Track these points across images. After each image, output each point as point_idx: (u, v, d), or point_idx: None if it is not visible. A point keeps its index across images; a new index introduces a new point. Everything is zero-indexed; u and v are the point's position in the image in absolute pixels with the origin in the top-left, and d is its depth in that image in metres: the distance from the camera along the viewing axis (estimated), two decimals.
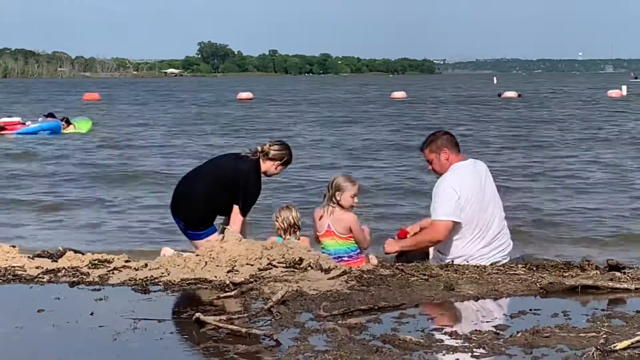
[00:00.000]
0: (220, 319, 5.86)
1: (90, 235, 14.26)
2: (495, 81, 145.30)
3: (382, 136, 36.30)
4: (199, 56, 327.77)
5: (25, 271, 7.77)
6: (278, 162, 9.33)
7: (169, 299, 6.86)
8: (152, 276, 7.44)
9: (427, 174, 12.61)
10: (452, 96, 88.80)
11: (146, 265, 7.87)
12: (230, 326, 5.71)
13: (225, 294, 6.78)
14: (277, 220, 9.15)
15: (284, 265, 7.62)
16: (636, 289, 6.84)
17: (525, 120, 45.75)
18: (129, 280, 7.38)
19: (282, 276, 7.29)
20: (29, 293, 7.13)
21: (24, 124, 38.17)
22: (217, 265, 7.62)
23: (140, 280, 7.33)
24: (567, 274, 7.42)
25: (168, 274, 7.49)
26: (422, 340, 5.42)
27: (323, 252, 8.47)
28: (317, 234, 8.97)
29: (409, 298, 6.63)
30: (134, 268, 7.79)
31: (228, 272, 7.47)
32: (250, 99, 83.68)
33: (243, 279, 7.15)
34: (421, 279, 7.23)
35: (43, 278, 7.56)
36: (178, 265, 7.70)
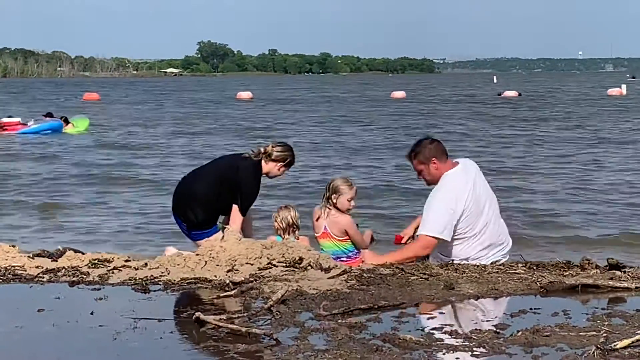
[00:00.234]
0: (220, 318, 5.86)
1: (88, 236, 14.25)
2: (495, 80, 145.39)
3: (382, 136, 36.31)
4: (199, 56, 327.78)
5: (25, 271, 7.77)
6: (281, 163, 9.34)
7: (169, 298, 6.86)
8: (152, 275, 7.44)
9: None
10: (453, 95, 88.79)
11: (146, 264, 7.87)
12: (230, 325, 5.71)
13: (225, 294, 6.78)
14: (276, 220, 9.17)
15: (284, 264, 7.62)
16: (636, 287, 6.83)
17: (525, 120, 45.75)
18: (129, 280, 7.38)
19: (282, 275, 7.29)
20: (29, 292, 7.13)
21: (25, 124, 38.24)
22: (217, 265, 7.62)
23: (140, 280, 7.32)
24: (567, 273, 7.42)
25: (168, 274, 7.49)
26: (422, 340, 5.42)
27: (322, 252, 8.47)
28: (315, 234, 8.98)
29: (409, 297, 6.62)
30: (134, 267, 7.79)
31: (228, 271, 7.47)
32: (250, 98, 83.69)
33: (243, 278, 7.14)
34: (421, 278, 7.23)
35: (43, 277, 7.56)
36: (178, 265, 7.70)
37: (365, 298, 6.54)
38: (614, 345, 5.13)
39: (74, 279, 7.46)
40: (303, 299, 6.52)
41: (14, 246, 8.61)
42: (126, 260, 8.12)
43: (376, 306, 6.28)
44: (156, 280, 7.33)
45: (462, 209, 8.28)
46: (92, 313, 6.25)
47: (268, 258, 7.70)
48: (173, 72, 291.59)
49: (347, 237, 8.84)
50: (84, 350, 5.53)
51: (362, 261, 8.36)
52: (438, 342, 5.38)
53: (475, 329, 5.65)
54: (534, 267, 7.68)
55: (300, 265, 7.58)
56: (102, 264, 7.95)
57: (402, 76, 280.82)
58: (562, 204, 17.18)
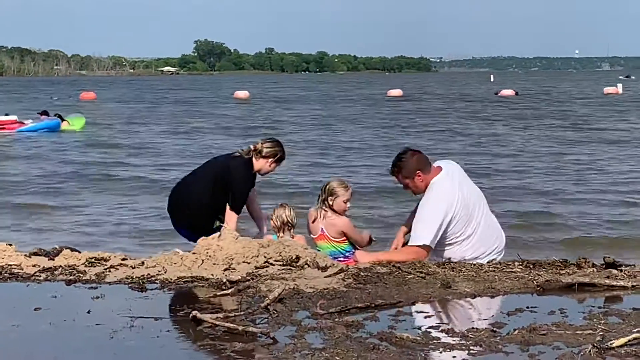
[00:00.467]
0: (217, 317, 5.85)
1: (84, 236, 14.25)
2: (492, 79, 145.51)
3: (378, 135, 36.32)
4: (196, 54, 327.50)
5: (22, 269, 7.75)
6: (271, 159, 9.39)
7: (166, 297, 6.85)
8: (148, 274, 7.43)
9: None
10: (449, 94, 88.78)
11: (143, 263, 7.86)
12: (227, 324, 5.70)
13: (222, 292, 6.78)
14: (271, 219, 9.20)
15: (281, 263, 7.61)
16: (633, 286, 6.84)
17: (523, 119, 45.78)
18: (125, 279, 7.37)
19: (279, 274, 7.28)
20: (26, 291, 7.11)
21: (22, 122, 38.27)
22: (214, 263, 7.62)
23: (137, 279, 7.31)
24: (563, 272, 7.42)
25: (165, 272, 7.48)
26: (419, 338, 5.42)
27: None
28: (312, 236, 8.99)
29: (406, 296, 6.62)
30: (131, 266, 7.78)
31: (225, 270, 7.47)
32: (247, 97, 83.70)
33: (240, 277, 7.14)
34: (418, 276, 7.23)
35: (40, 276, 7.54)
36: (175, 264, 7.69)
37: (362, 297, 6.54)
38: (611, 344, 5.13)
39: (71, 277, 7.45)
40: (300, 298, 6.52)
41: (10, 245, 8.59)
42: (123, 259, 8.10)
43: (373, 305, 6.28)
44: (153, 278, 7.32)
45: (452, 215, 8.28)
46: (88, 312, 6.25)
47: (265, 257, 7.70)
48: (170, 71, 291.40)
49: (344, 238, 8.85)
50: (80, 349, 5.52)
51: (355, 262, 8.33)
52: (435, 341, 5.38)
53: (472, 328, 5.65)
54: (531, 266, 7.68)
55: (297, 264, 7.58)
56: (98, 263, 7.93)
57: (399, 75, 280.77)
58: (557, 204, 17.20)
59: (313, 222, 8.95)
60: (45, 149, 30.93)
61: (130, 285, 7.16)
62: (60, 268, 7.75)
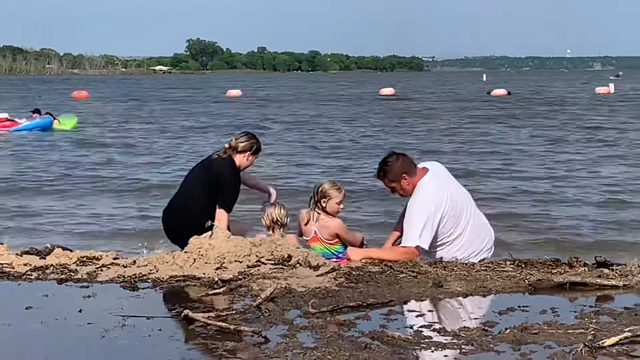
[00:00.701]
0: (209, 316, 5.85)
1: (74, 236, 14.23)
2: (484, 78, 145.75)
3: (369, 134, 36.32)
4: (188, 53, 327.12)
5: (14, 268, 7.74)
6: (248, 152, 9.41)
7: (158, 296, 6.85)
8: (140, 273, 7.43)
9: None
10: (442, 94, 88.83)
11: (135, 262, 7.85)
12: (218, 323, 5.70)
13: (214, 291, 6.77)
14: (263, 218, 9.21)
15: (273, 262, 7.61)
16: (624, 285, 6.85)
17: (515, 118, 45.83)
18: (117, 278, 7.36)
19: (271, 273, 7.28)
20: (17, 290, 7.10)
21: (13, 120, 38.22)
22: (206, 263, 7.62)
23: (129, 278, 7.31)
24: (555, 271, 7.43)
25: (157, 271, 7.47)
26: (410, 337, 5.42)
27: None
28: (304, 238, 8.98)
29: (398, 295, 6.63)
30: (123, 265, 7.78)
31: (217, 269, 7.46)
32: (240, 96, 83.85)
33: (232, 276, 7.13)
34: (410, 275, 7.23)
35: (31, 275, 7.53)
36: (166, 263, 7.69)
37: (354, 296, 6.54)
38: (602, 343, 5.14)
39: (62, 276, 7.44)
40: (292, 297, 6.52)
41: (2, 244, 8.58)
42: (115, 258, 8.09)
43: (365, 304, 6.28)
44: (145, 277, 7.32)
45: (441, 215, 8.29)
46: (80, 311, 6.24)
47: (257, 256, 7.70)
48: (162, 70, 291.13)
49: (337, 240, 8.86)
50: (72, 348, 5.52)
51: (349, 259, 8.33)
52: (426, 340, 5.39)
53: (464, 327, 5.66)
54: (522, 265, 7.69)
55: (289, 263, 7.58)
56: (90, 262, 7.93)
57: (391, 74, 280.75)
58: (548, 204, 17.21)
59: (306, 224, 8.95)
60: (37, 148, 30.89)
61: (121, 284, 7.16)
62: (52, 267, 7.75)
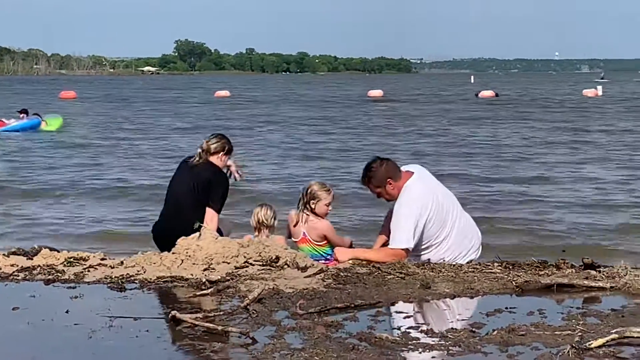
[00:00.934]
0: (197, 317, 5.85)
1: (58, 239, 14.20)
2: (472, 80, 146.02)
3: (358, 136, 36.34)
4: (176, 54, 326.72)
5: (0, 269, 7.72)
6: (221, 153, 9.35)
7: (145, 297, 6.83)
8: (128, 274, 7.41)
9: None
10: (430, 96, 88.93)
11: (122, 263, 7.84)
12: (206, 324, 5.70)
13: (202, 292, 6.77)
14: (251, 219, 9.21)
15: (261, 263, 7.61)
16: (611, 287, 6.87)
17: (503, 121, 45.90)
18: (104, 278, 7.34)
19: (259, 274, 7.28)
20: (4, 291, 7.08)
21: (1, 120, 38.16)
22: (194, 263, 7.61)
23: (116, 278, 7.29)
24: (542, 273, 7.44)
25: (144, 272, 7.46)
26: (398, 339, 5.42)
27: None
28: (293, 240, 8.97)
29: (386, 296, 6.63)
30: (110, 266, 7.76)
31: (204, 270, 7.45)
32: (228, 96, 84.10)
33: (219, 277, 7.13)
34: (397, 277, 7.24)
35: (18, 276, 7.51)
36: (154, 263, 7.68)
37: (341, 297, 6.54)
38: (589, 345, 5.15)
39: (50, 277, 7.42)
40: (279, 298, 6.51)
41: None
42: (102, 259, 8.08)
43: (353, 305, 6.28)
44: (132, 278, 7.30)
45: (427, 217, 8.31)
46: (67, 311, 6.22)
47: (245, 257, 7.69)
48: (150, 71, 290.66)
49: (325, 241, 8.85)
50: (59, 349, 5.50)
51: (336, 260, 8.32)
52: (414, 341, 5.39)
53: (451, 328, 5.66)
54: (510, 267, 7.70)
55: (277, 264, 7.58)
56: (77, 263, 7.91)
57: (379, 76, 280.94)
58: (538, 207, 17.23)
59: (295, 225, 8.94)
60: (23, 149, 30.83)
61: (109, 285, 7.14)
62: (39, 267, 7.73)
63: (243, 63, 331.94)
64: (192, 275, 7.30)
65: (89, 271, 7.60)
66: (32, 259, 8.09)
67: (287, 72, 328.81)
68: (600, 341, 5.19)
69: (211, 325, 5.67)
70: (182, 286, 7.07)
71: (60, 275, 7.48)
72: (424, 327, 5.71)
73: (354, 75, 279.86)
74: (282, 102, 73.17)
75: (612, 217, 16.08)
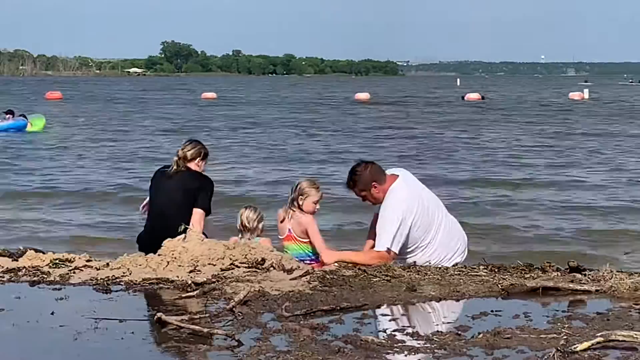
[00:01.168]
0: (182, 319, 5.84)
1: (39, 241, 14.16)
2: (458, 83, 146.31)
3: (344, 139, 36.35)
4: (162, 56, 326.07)
5: None
6: (198, 159, 9.32)
7: (131, 298, 6.82)
8: (113, 276, 7.40)
9: None
10: (416, 98, 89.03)
11: (108, 264, 7.82)
12: (192, 326, 5.69)
13: (187, 294, 6.76)
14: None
15: (246, 265, 7.60)
16: (596, 290, 6.88)
17: (489, 124, 45.99)
18: (90, 280, 7.33)
19: (245, 276, 7.28)
20: None
21: None
22: (179, 265, 7.59)
23: (102, 280, 7.28)
24: (528, 276, 7.46)
25: (130, 274, 7.45)
26: (384, 341, 5.43)
27: None
28: (279, 237, 8.97)
29: (371, 299, 6.63)
30: (96, 267, 7.74)
31: (190, 272, 7.44)
32: (214, 98, 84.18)
33: (205, 279, 7.12)
34: (383, 279, 7.24)
35: (3, 277, 7.49)
36: (140, 265, 7.66)
37: (327, 299, 6.54)
38: (574, 348, 5.16)
39: (35, 278, 7.40)
40: (265, 300, 6.51)
41: None
42: (87, 261, 8.06)
43: (338, 307, 6.28)
44: (118, 280, 7.29)
45: (413, 220, 8.33)
46: (52, 313, 6.21)
47: (230, 259, 7.68)
48: (136, 72, 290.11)
49: (308, 239, 8.82)
50: (44, 351, 5.49)
51: (322, 262, 8.32)
52: (400, 344, 5.40)
53: (437, 331, 5.67)
54: (496, 270, 7.72)
55: (263, 266, 7.58)
56: (63, 264, 7.88)
57: (365, 78, 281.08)
58: (524, 211, 17.25)
59: (281, 222, 8.93)
60: (5, 149, 30.77)
61: (94, 286, 7.13)
62: (24, 269, 7.70)
63: (229, 65, 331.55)
64: (177, 277, 7.29)
65: (74, 273, 7.59)
66: (17, 261, 8.06)
67: (274, 74, 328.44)
68: (585, 344, 5.20)
69: (197, 327, 5.67)
70: (168, 288, 7.06)
71: (45, 276, 7.46)
72: (410, 330, 5.72)
73: (340, 78, 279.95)
74: (268, 105, 73.14)
75: (598, 221, 16.13)
